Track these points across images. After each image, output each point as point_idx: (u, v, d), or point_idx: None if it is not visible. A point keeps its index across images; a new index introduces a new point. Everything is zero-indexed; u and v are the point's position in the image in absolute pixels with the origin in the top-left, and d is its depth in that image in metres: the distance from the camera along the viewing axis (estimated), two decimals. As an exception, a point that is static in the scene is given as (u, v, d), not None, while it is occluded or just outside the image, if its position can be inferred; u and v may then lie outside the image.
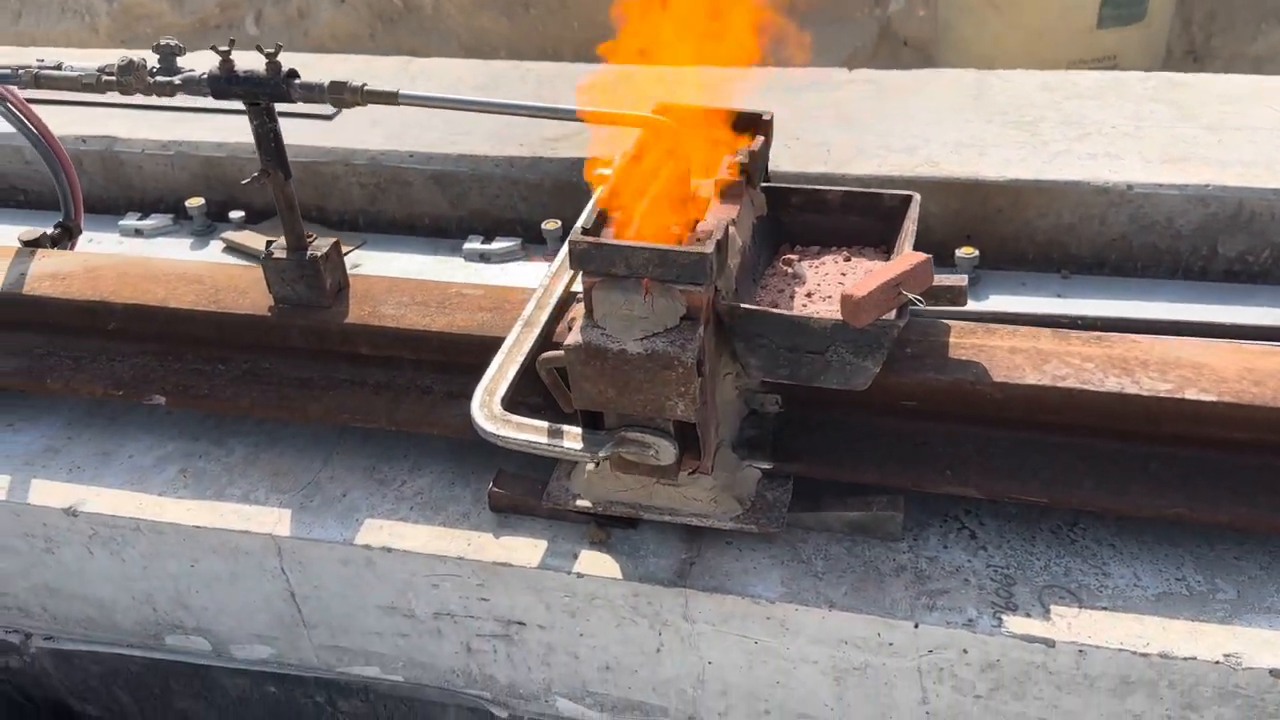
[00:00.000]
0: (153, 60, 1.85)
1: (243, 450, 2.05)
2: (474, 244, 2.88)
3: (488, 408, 1.70)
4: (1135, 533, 1.75)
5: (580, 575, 1.76)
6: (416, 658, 1.98)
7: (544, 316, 1.86)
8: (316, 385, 2.01)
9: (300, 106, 3.19)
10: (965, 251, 2.58)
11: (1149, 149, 2.66)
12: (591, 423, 1.69)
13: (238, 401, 2.01)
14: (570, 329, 1.68)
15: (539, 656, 1.90)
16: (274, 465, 2.01)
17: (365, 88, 1.76)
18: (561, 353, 1.62)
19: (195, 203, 3.05)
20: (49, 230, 2.47)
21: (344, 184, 3.04)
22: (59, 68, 1.89)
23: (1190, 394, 1.65)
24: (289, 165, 1.90)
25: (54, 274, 2.15)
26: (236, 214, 3.03)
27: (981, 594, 1.67)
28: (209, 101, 3.40)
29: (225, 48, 1.78)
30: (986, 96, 3.03)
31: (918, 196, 1.87)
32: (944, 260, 2.59)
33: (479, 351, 1.84)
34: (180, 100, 3.28)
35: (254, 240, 2.91)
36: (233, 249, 2.95)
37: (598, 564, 1.77)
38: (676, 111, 1.83)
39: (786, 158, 2.78)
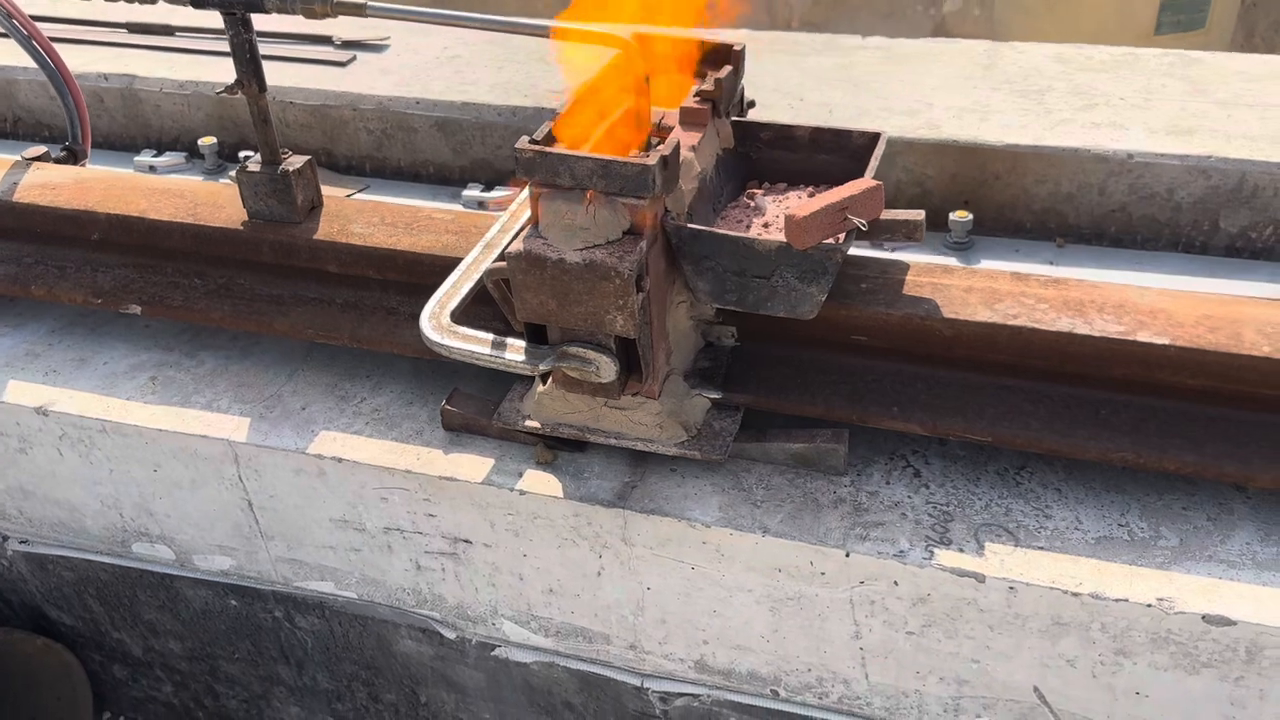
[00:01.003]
0: (138, -30, 1.89)
1: (213, 362, 2.09)
2: (473, 191, 2.90)
3: (436, 319, 1.71)
4: (1083, 478, 1.72)
5: (523, 493, 1.77)
6: (368, 574, 2.00)
7: (506, 239, 1.87)
8: (286, 301, 2.05)
9: (316, 52, 3.28)
10: (959, 215, 2.55)
11: (1155, 121, 2.61)
12: (536, 337, 1.70)
13: (209, 314, 2.05)
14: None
15: (485, 576, 1.91)
16: (240, 378, 2.05)
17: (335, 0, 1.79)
18: (505, 263, 1.63)
19: (207, 141, 3.11)
20: (54, 152, 2.53)
21: (352, 129, 3.08)
22: (49, -24, 1.94)
23: (1142, 336, 1.62)
24: (264, 78, 1.93)
25: (45, 184, 2.21)
26: (247, 154, 3.09)
27: (917, 528, 1.65)
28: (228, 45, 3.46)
29: (204, -43, 1.82)
30: (998, 66, 2.99)
31: (885, 133, 1.85)
32: (939, 223, 2.57)
33: (442, 272, 1.85)
34: (203, 44, 3.38)
35: (259, 178, 2.96)
36: (239, 186, 3.00)
37: (541, 483, 1.78)
38: (650, 40, 1.84)
39: (788, 116, 2.77)
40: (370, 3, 1.77)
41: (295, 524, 1.98)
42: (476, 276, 1.79)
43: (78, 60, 3.28)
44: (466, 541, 1.87)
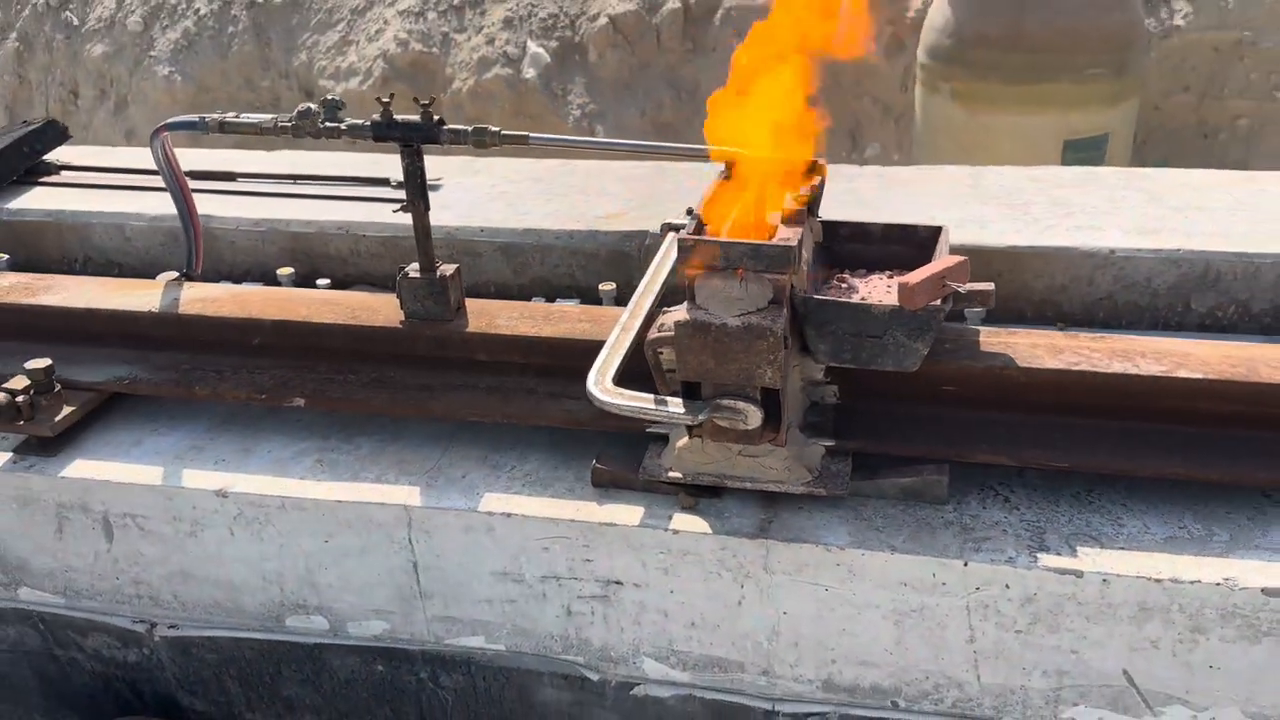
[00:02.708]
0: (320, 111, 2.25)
1: (369, 446, 2.36)
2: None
3: (601, 384, 2.03)
4: (1142, 495, 2.08)
5: (676, 532, 2.07)
6: (520, 624, 2.25)
7: (637, 324, 2.21)
8: (436, 389, 2.35)
9: (377, 192, 3.64)
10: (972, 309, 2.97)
11: (1126, 223, 3.09)
12: (691, 394, 2.02)
13: (369, 403, 2.34)
14: (662, 327, 2.06)
15: (632, 616, 2.18)
16: (399, 456, 2.32)
17: (501, 131, 2.16)
18: (670, 332, 1.97)
19: (285, 271, 3.41)
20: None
21: (420, 256, 3.42)
22: (238, 117, 2.28)
23: (1182, 373, 2.02)
24: (429, 199, 2.28)
25: (204, 298, 2.50)
26: (323, 282, 3.40)
27: (1019, 540, 1.99)
28: (294, 187, 3.82)
29: (387, 100, 2.18)
30: (982, 186, 3.48)
31: (948, 226, 2.27)
32: (952, 316, 2.98)
33: (582, 355, 2.18)
34: (263, 186, 3.72)
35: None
36: (320, 310, 3.30)
37: (689, 523, 2.08)
38: (750, 160, 2.24)
39: (815, 231, 3.20)
40: (531, 134, 2.15)
41: (456, 581, 2.23)
42: (623, 351, 2.12)
43: (151, 205, 3.59)
44: (618, 583, 2.15)
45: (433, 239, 3.41)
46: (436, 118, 2.18)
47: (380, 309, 2.40)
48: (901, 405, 2.16)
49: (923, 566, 1.98)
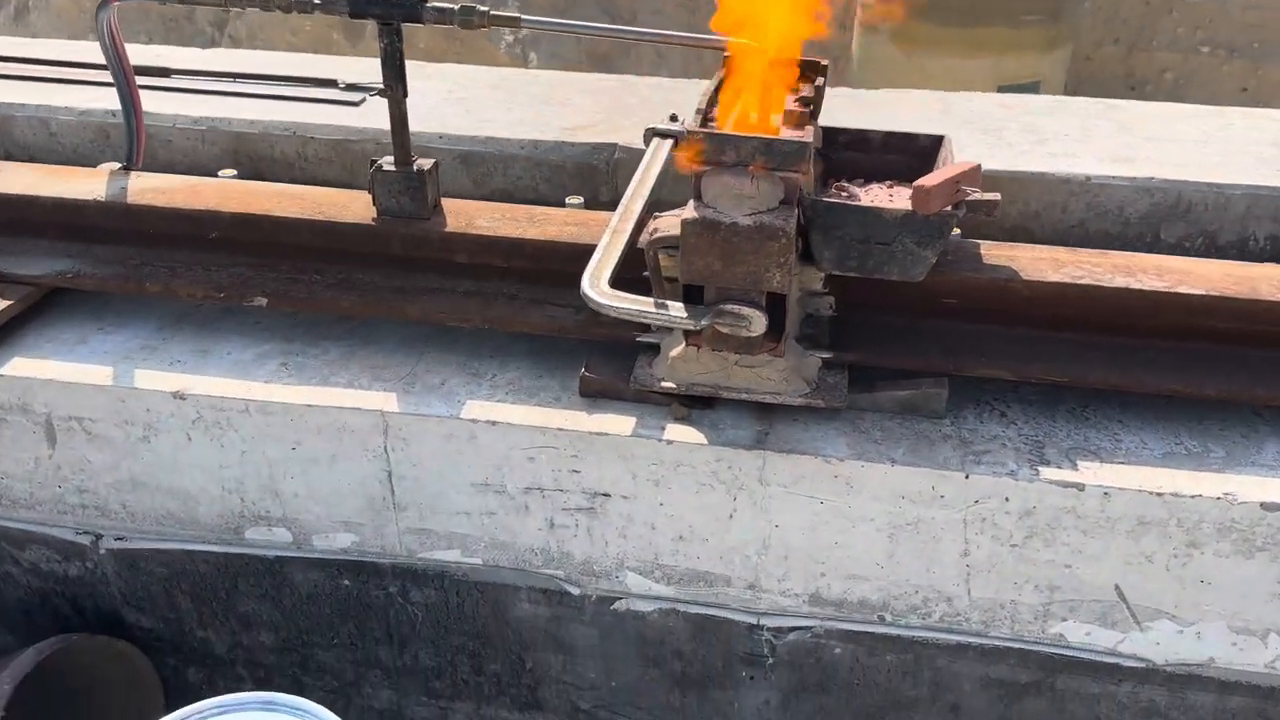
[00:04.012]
0: (289, -15, 2.07)
1: (337, 351, 2.23)
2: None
3: (597, 287, 1.93)
4: (1138, 411, 2.07)
5: (670, 442, 1.99)
6: (499, 537, 2.16)
7: (628, 227, 2.10)
8: (409, 292, 2.22)
9: (327, 93, 3.43)
10: (949, 230, 2.93)
11: (1099, 151, 3.07)
12: (692, 299, 1.93)
13: (337, 304, 2.20)
14: (655, 232, 1.97)
15: (617, 529, 2.10)
16: (371, 361, 2.19)
17: (490, 11, 2.02)
18: (674, 231, 1.88)
19: (227, 173, 3.20)
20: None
21: (373, 162, 3.25)
22: (199, -12, 2.10)
23: (1182, 289, 2.00)
24: (407, 84, 2.13)
25: (155, 188, 2.32)
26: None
27: (1018, 454, 1.96)
28: (234, 86, 3.58)
29: (366, -27, 2.02)
30: (954, 111, 3.43)
31: (949, 136, 2.20)
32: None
33: (567, 259, 2.08)
34: (215, 85, 3.49)
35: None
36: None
37: (684, 434, 2.00)
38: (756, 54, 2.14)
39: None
40: (523, 15, 2.01)
41: (433, 492, 2.12)
42: (617, 253, 2.02)
43: (79, 98, 3.34)
44: (605, 495, 2.06)
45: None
46: (422, -5, 2.03)
47: (350, 205, 2.25)
48: (900, 317, 2.11)
49: (923, 479, 1.93)
